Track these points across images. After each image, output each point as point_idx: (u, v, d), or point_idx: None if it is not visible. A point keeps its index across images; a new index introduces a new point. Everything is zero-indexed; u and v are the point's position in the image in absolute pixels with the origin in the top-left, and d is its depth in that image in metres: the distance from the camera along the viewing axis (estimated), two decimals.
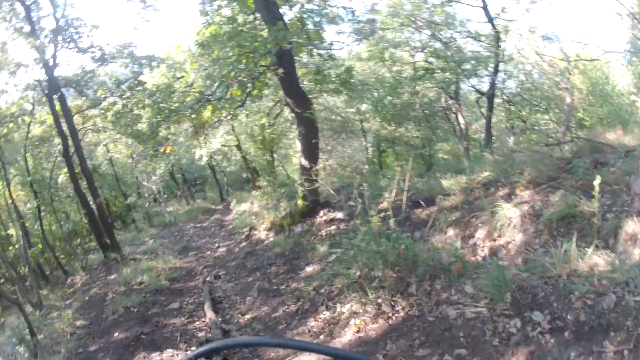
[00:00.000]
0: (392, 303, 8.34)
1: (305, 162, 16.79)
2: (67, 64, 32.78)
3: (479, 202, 11.99)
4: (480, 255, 10.44)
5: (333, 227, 15.45)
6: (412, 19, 24.34)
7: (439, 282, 8.35)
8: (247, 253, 16.79)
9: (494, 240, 10.61)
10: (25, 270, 22.13)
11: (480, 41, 24.33)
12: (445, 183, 14.09)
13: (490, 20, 22.76)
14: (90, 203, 21.76)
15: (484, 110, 25.36)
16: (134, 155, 34.64)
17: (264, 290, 12.31)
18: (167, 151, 20.10)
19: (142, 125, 21.14)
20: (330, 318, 9.21)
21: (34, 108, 23.13)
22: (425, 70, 24.46)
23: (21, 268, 23.68)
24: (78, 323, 13.15)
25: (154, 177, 34.05)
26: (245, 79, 14.76)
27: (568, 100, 21.64)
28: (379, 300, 8.52)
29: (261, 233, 18.44)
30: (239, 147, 31.17)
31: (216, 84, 14.30)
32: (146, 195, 35.82)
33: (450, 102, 26.66)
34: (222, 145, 31.07)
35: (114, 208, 38.15)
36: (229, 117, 22.01)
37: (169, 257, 18.25)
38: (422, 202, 13.47)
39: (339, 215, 15.90)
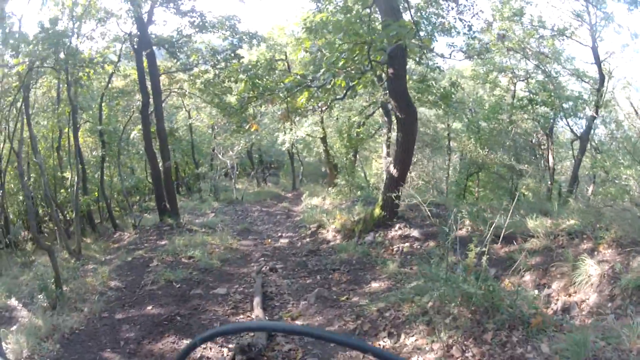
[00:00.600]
0: (464, 347, 7.30)
1: (394, 171, 15.65)
2: (163, 24, 32.79)
3: (562, 251, 11.09)
4: (552, 308, 9.68)
5: (407, 244, 14.55)
6: (522, 45, 23.80)
7: (516, 335, 7.36)
8: (310, 251, 15.83)
9: (570, 295, 9.81)
10: (72, 215, 21.95)
11: (584, 81, 23.95)
12: (530, 223, 12.96)
13: (598, 61, 22.09)
14: (160, 165, 21.61)
15: (570, 152, 25.48)
16: (215, 127, 34.64)
17: (322, 298, 11.18)
18: (252, 129, 19.31)
19: (232, 99, 20.44)
20: (390, 347, 8.13)
21: (119, 60, 23.21)
22: (529, 100, 23.81)
23: (69, 212, 24.01)
24: (112, 284, 12.71)
25: (230, 152, 33.41)
26: (353, 72, 13.86)
27: None
28: (450, 341, 7.47)
29: (329, 233, 17.60)
30: (323, 140, 30.44)
31: (322, 70, 13.30)
32: (219, 168, 35.37)
33: (542, 138, 26.35)
34: (307, 135, 30.72)
35: (183, 174, 38.67)
36: (323, 108, 21.20)
37: (226, 236, 17.69)
38: (514, 241, 12.33)
39: (415, 233, 14.96)
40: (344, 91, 15.44)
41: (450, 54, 18.56)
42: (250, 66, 18.93)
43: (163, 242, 17.07)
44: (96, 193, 25.92)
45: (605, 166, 23.45)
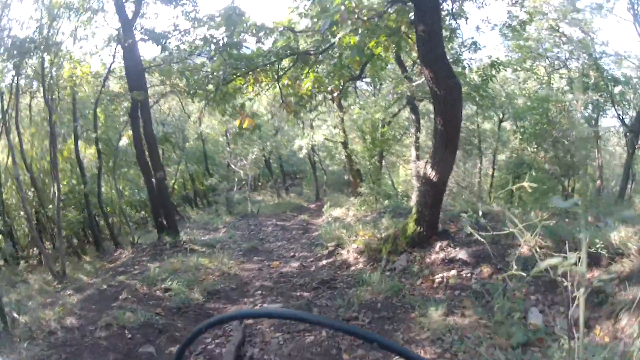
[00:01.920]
0: None
1: (431, 172, 10.63)
2: (155, 17, 30.88)
3: None
4: None
5: (452, 272, 9.85)
6: (556, 26, 21.08)
7: None
8: (323, 282, 11.09)
9: None
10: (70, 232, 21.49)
11: (633, 62, 20.61)
12: (614, 236, 8.52)
13: None
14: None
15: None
16: (228, 133, 30.85)
17: None
18: (245, 126, 15.21)
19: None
20: None
21: (114, 61, 20.77)
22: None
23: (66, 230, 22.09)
24: (68, 321, 9.39)
25: (244, 161, 29.60)
26: (365, 17, 9.55)
27: None
28: None
29: (350, 254, 12.90)
30: (345, 144, 26.46)
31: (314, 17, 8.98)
32: (236, 179, 32.18)
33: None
34: (326, 139, 27.13)
35: (200, 186, 35.82)
36: (335, 93, 16.52)
37: (225, 258, 14.03)
38: (597, 262, 8.18)
39: (462, 254, 10.23)
40: (359, 64, 11.00)
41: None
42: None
43: (154, 265, 13.61)
44: (109, 209, 24.08)
45: None
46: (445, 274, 9.79)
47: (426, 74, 10.08)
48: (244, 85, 12.87)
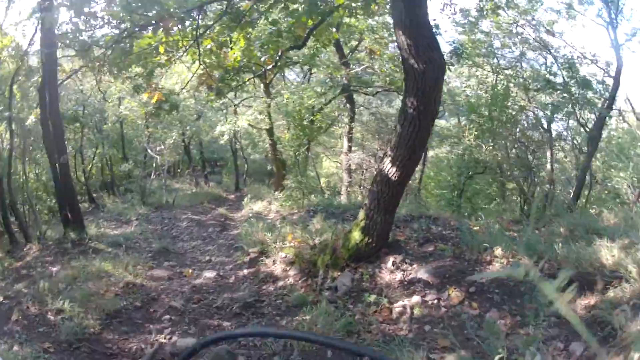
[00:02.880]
0: None
1: (391, 170, 8.13)
2: None
3: None
4: None
5: (415, 298, 7.41)
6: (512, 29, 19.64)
7: None
8: (247, 305, 8.49)
9: None
10: None
11: (600, 67, 18.67)
12: (605, 254, 6.95)
13: (616, 43, 16.81)
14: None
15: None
16: (147, 116, 27.40)
17: None
18: (154, 100, 13.73)
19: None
20: None
21: (36, 31, 17.70)
22: (547, 81, 18.10)
23: None
24: None
25: (161, 146, 27.46)
26: None
27: None
28: None
29: (276, 265, 10.32)
30: (270, 131, 24.59)
31: None
32: (153, 165, 29.25)
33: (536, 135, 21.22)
34: (250, 125, 25.49)
35: (117, 172, 32.82)
36: (269, 66, 14.03)
37: (131, 266, 11.35)
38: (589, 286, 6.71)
39: (422, 273, 7.93)
40: (304, 30, 8.84)
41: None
42: None
43: (55, 268, 11.66)
44: (25, 194, 20.85)
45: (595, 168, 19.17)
46: (406, 301, 7.39)
47: (402, 42, 7.60)
48: (153, 47, 10.34)
